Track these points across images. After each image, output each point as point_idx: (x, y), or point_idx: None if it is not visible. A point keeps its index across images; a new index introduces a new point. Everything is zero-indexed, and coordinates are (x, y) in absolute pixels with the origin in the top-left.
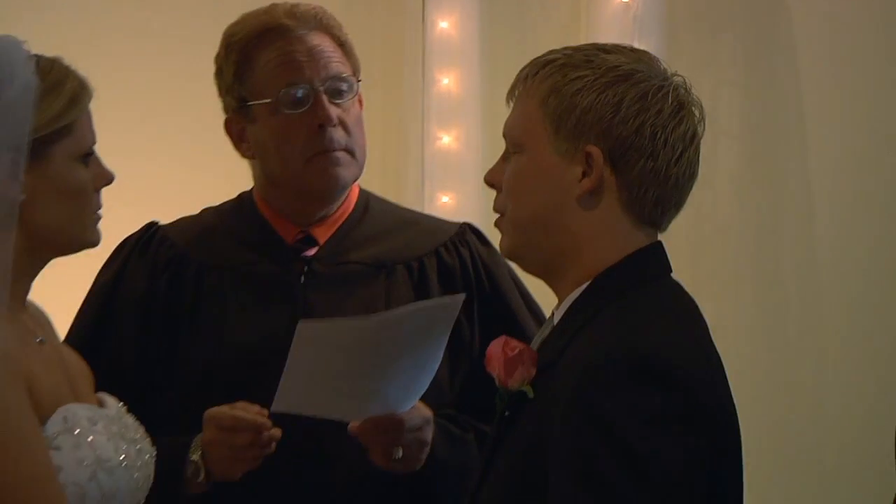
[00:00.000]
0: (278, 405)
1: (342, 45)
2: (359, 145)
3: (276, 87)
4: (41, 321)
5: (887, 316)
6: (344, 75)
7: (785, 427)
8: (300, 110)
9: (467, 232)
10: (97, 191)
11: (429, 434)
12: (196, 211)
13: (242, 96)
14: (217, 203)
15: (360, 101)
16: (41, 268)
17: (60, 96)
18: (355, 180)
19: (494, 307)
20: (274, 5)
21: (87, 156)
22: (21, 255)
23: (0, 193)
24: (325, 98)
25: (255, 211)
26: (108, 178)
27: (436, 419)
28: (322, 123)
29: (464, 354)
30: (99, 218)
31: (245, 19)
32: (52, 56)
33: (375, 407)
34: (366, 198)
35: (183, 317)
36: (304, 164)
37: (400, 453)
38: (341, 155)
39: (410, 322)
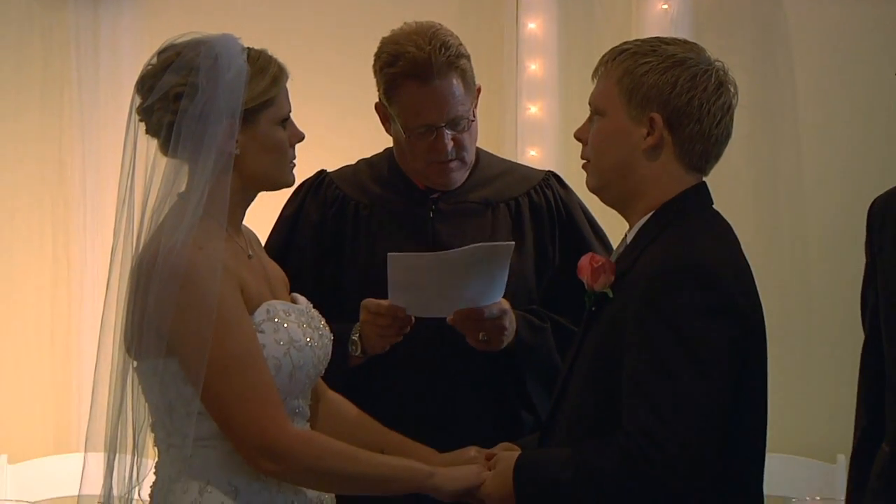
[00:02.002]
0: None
1: (464, 77)
2: (469, 151)
3: (410, 121)
4: (251, 241)
5: (854, 232)
6: (462, 115)
7: (779, 310)
8: (426, 141)
9: (551, 178)
10: (292, 146)
11: (507, 322)
12: (354, 161)
13: (386, 104)
14: (369, 156)
15: (475, 106)
16: (251, 202)
17: (265, 78)
18: (465, 175)
19: (569, 233)
20: (421, 45)
21: (285, 121)
22: (236, 193)
23: (220, 148)
24: (445, 134)
25: (395, 164)
26: (300, 137)
27: (519, 312)
28: (440, 151)
29: (546, 268)
30: (294, 166)
31: (397, 53)
32: (259, 48)
33: (465, 305)
34: (478, 153)
35: (345, 241)
36: (424, 166)
37: (484, 336)
38: (454, 164)
39: (472, 256)
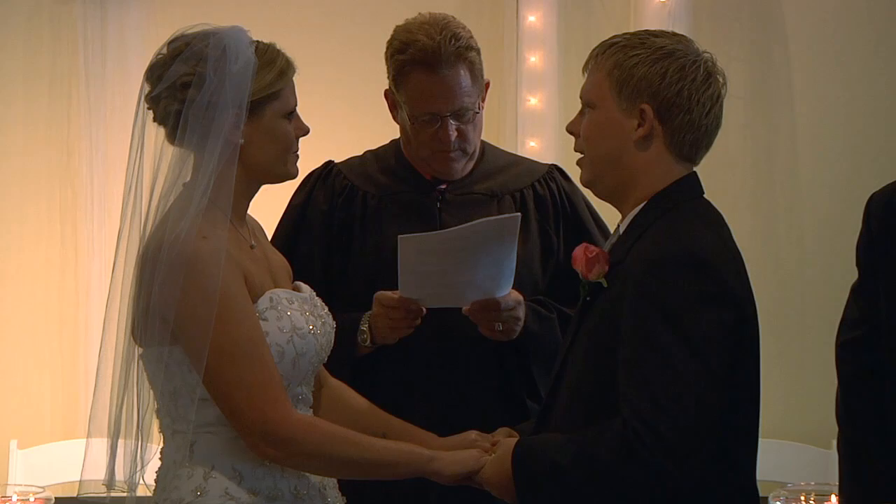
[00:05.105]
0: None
1: (472, 69)
2: (472, 143)
3: (416, 109)
4: (255, 231)
5: (849, 221)
6: (468, 106)
7: (775, 297)
8: (430, 129)
9: (554, 171)
10: (297, 139)
11: (521, 312)
12: (360, 152)
13: (395, 91)
14: (375, 147)
15: (483, 99)
16: (255, 193)
17: (272, 71)
18: (468, 166)
19: (573, 224)
20: (432, 35)
21: (290, 114)
22: (240, 184)
23: (227, 138)
24: (450, 124)
25: (402, 155)
26: (305, 131)
27: (527, 302)
28: (443, 140)
29: (551, 258)
30: (297, 158)
31: (408, 41)
32: (268, 41)
33: (475, 294)
34: (483, 146)
35: (354, 231)
36: (428, 154)
37: (500, 326)
38: (456, 154)
39: (480, 231)
